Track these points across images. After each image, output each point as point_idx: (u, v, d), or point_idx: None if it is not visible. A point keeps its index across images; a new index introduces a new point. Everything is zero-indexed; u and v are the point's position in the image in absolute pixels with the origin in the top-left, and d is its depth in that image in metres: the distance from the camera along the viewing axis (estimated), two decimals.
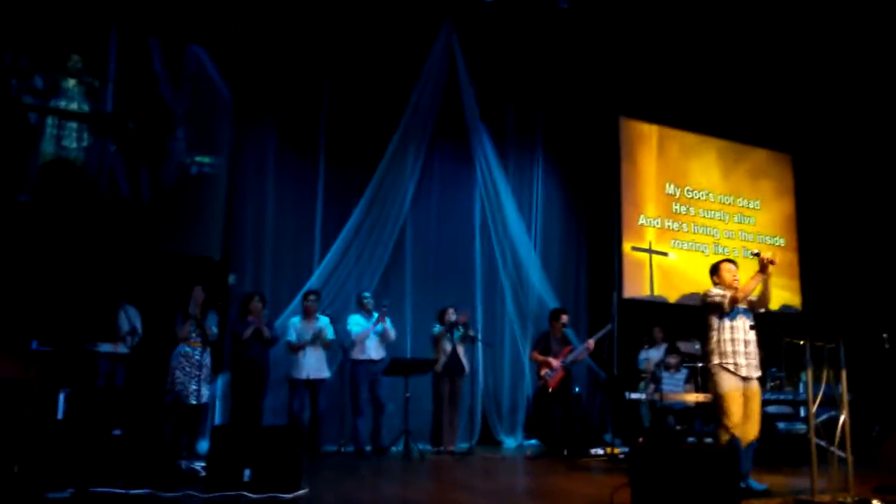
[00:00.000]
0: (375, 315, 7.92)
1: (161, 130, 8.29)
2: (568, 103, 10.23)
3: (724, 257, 5.86)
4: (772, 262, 5.20)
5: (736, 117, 11.08)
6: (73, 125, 7.96)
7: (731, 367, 5.14)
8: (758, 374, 5.26)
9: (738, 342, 5.18)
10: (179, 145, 8.37)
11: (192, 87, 8.47)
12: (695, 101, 10.78)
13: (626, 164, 10.54)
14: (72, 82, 8.00)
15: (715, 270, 5.51)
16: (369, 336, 7.82)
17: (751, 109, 11.04)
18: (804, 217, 11.67)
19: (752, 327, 5.21)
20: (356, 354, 7.80)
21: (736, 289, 5.27)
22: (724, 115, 11.02)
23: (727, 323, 5.22)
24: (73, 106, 7.98)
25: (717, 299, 5.26)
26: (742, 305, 5.27)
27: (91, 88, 8.07)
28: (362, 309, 7.97)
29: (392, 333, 7.96)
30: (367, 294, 8.07)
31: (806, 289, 11.39)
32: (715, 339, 5.23)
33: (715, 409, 5.24)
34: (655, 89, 10.56)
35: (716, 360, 5.19)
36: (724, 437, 5.05)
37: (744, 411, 5.12)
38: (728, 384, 5.12)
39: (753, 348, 5.23)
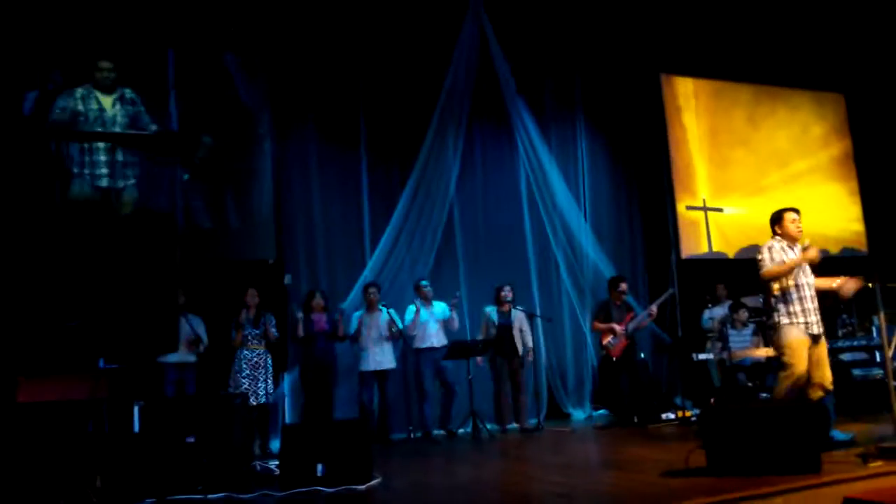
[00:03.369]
0: (438, 304, 7.98)
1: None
2: (605, 66, 10.04)
3: (787, 207, 5.29)
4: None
5: (781, 62, 10.72)
6: (118, 156, 7.22)
7: (802, 326, 4.95)
8: (821, 329, 5.05)
9: (806, 300, 4.99)
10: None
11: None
12: (735, 49, 10.46)
13: (671, 123, 10.32)
14: (108, 99, 7.29)
15: (777, 220, 5.20)
16: (428, 324, 7.85)
17: (795, 51, 10.67)
18: (863, 157, 11.26)
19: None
20: (418, 343, 7.83)
21: (795, 239, 5.08)
22: (767, 61, 10.67)
23: (792, 282, 5.00)
24: (115, 129, 7.28)
25: (759, 265, 5.07)
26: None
27: (134, 104, 7.32)
28: (420, 297, 7.99)
29: (456, 323, 8.05)
30: (424, 282, 8.08)
31: (870, 231, 11.01)
32: (782, 298, 5.01)
33: (780, 364, 5.03)
34: (693, 42, 10.28)
35: (785, 320, 4.98)
36: (784, 386, 4.85)
37: (813, 364, 4.95)
38: (796, 337, 4.92)
39: (817, 304, 5.05)
